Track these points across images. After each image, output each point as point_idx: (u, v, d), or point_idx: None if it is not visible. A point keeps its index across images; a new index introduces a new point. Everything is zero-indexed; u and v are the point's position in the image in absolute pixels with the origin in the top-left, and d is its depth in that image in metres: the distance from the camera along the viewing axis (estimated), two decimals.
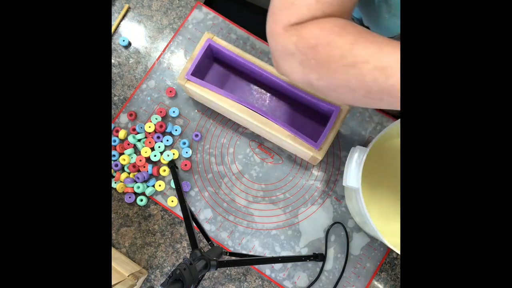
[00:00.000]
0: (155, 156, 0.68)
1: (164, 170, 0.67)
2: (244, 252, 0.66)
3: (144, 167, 0.68)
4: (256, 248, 0.67)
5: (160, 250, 0.67)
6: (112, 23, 0.73)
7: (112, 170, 0.68)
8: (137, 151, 0.69)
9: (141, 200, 0.67)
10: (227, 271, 0.66)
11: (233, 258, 0.62)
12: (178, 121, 0.70)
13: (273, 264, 0.66)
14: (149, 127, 0.68)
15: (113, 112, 0.71)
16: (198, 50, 0.63)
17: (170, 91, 0.70)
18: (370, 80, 0.35)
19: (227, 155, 0.69)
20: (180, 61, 0.72)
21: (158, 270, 0.66)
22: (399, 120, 0.52)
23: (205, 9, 0.74)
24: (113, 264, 0.62)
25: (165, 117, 0.70)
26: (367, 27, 0.62)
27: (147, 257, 0.67)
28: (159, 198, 0.68)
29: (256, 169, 0.69)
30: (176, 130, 0.69)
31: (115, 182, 0.67)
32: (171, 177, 0.68)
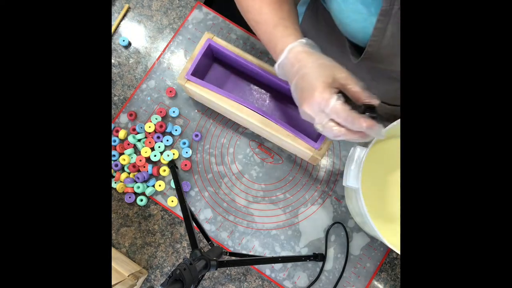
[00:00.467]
0: (155, 156, 0.68)
1: (164, 170, 0.67)
2: (244, 252, 0.66)
3: (144, 167, 0.68)
4: (256, 248, 0.67)
5: (160, 250, 0.67)
6: (112, 23, 0.73)
7: (112, 170, 0.68)
8: (137, 151, 0.69)
9: (141, 200, 0.67)
10: (227, 271, 0.66)
11: (233, 258, 0.62)
12: (178, 121, 0.70)
13: (273, 264, 0.66)
14: (149, 127, 0.68)
15: (113, 112, 0.71)
16: (198, 50, 0.63)
17: (170, 91, 0.70)
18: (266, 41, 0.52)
19: (227, 155, 0.69)
20: (180, 61, 0.72)
21: (158, 270, 0.66)
22: (399, 120, 0.52)
23: (205, 9, 0.74)
24: (113, 264, 0.62)
25: (165, 117, 0.70)
26: None
27: (147, 257, 0.67)
28: (159, 198, 0.68)
29: (256, 169, 0.69)
30: (176, 130, 0.69)
31: (115, 182, 0.67)
32: (171, 177, 0.68)
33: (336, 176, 0.68)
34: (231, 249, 0.66)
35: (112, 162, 0.68)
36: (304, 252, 0.66)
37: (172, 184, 0.68)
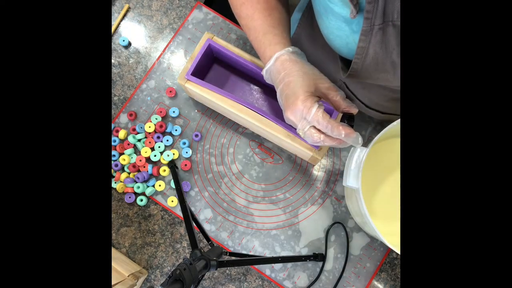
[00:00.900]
0: (155, 156, 0.68)
1: (164, 170, 0.67)
2: (244, 252, 0.66)
3: (144, 167, 0.68)
4: (256, 248, 0.67)
5: (160, 250, 0.67)
6: (112, 23, 0.73)
7: (112, 170, 0.68)
8: (137, 151, 0.69)
9: (141, 200, 0.67)
10: (227, 271, 0.66)
11: (233, 258, 0.62)
12: (178, 121, 0.70)
13: (273, 264, 0.66)
14: (149, 127, 0.68)
15: (113, 112, 0.71)
16: (198, 50, 0.63)
17: (170, 91, 0.70)
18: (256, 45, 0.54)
19: (227, 155, 0.69)
20: (180, 61, 0.72)
21: (158, 270, 0.66)
22: (399, 120, 0.52)
23: (205, 9, 0.74)
24: (113, 264, 0.62)
25: (165, 117, 0.70)
26: None
27: (147, 257, 0.67)
28: (159, 198, 0.68)
29: (256, 169, 0.69)
30: (176, 130, 0.69)
31: (115, 182, 0.67)
32: (171, 177, 0.68)
33: (336, 176, 0.68)
34: (231, 249, 0.66)
35: (112, 162, 0.68)
36: (304, 252, 0.66)
37: (172, 184, 0.68)
